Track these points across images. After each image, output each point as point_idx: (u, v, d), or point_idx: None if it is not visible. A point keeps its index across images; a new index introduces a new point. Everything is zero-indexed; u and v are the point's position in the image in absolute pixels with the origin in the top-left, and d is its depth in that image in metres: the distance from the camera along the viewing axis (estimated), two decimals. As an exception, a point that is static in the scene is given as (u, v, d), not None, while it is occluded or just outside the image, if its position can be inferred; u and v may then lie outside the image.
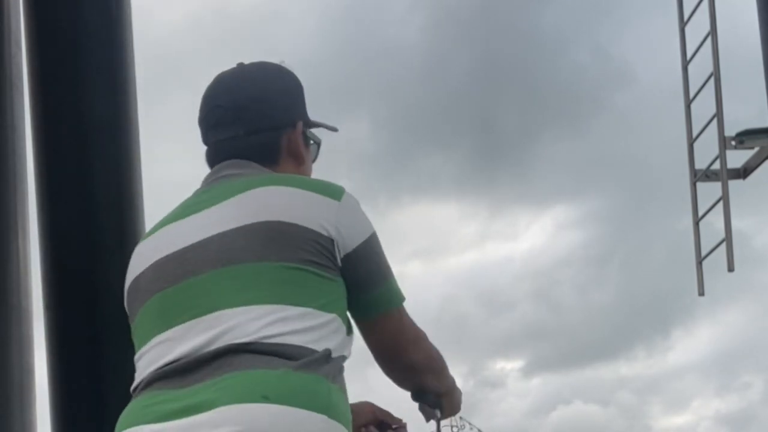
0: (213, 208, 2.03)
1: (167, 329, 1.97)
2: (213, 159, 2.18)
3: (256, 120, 2.15)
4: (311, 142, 2.27)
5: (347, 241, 2.00)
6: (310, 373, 1.87)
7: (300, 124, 2.21)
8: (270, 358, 1.86)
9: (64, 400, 5.41)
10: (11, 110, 5.79)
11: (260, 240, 1.94)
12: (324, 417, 1.85)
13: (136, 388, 2.00)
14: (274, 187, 2.01)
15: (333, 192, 2.03)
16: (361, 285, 2.04)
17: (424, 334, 2.19)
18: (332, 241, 1.97)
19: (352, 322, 2.11)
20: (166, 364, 1.93)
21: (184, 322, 1.95)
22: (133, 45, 5.74)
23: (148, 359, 1.99)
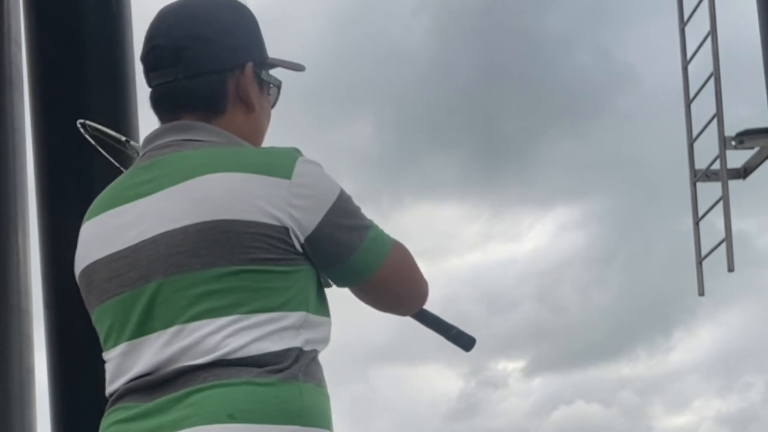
0: (158, 195, 1.89)
1: (127, 340, 1.90)
2: (155, 104, 2.01)
3: (196, 61, 1.94)
4: (271, 85, 2.05)
5: (305, 224, 1.84)
6: (277, 379, 1.79)
7: (249, 66, 1.99)
8: (235, 370, 1.79)
9: (64, 400, 5.41)
10: (11, 110, 5.79)
11: (208, 244, 1.81)
12: (295, 428, 1.78)
13: (110, 395, 1.95)
14: (219, 175, 1.84)
15: (282, 168, 1.84)
16: (332, 259, 1.89)
17: (416, 272, 2.02)
18: (286, 229, 1.82)
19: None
20: (132, 380, 1.88)
21: (143, 334, 1.87)
22: (133, 44, 5.74)
23: (113, 370, 1.94)
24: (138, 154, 2.04)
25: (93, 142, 2.49)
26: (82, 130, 2.29)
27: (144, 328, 1.87)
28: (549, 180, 20.94)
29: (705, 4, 6.30)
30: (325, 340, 1.94)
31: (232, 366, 1.79)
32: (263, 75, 2.02)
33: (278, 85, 2.07)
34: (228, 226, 1.80)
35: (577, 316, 20.63)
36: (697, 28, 6.45)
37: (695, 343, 20.85)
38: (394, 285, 1.99)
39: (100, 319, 1.98)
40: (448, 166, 21.26)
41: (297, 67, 2.10)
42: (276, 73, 2.09)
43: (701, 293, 6.37)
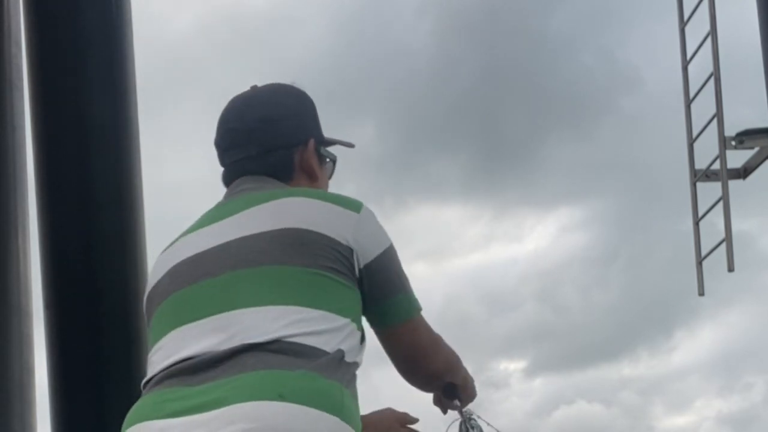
0: (233, 217, 2.08)
1: (182, 325, 1.99)
2: (229, 179, 2.25)
3: (267, 140, 2.21)
4: (327, 159, 2.31)
5: (366, 252, 2.04)
6: (324, 375, 1.89)
7: (312, 142, 2.25)
8: (286, 358, 1.88)
9: (64, 400, 5.41)
10: (11, 110, 5.79)
11: (280, 245, 1.98)
12: (337, 419, 1.87)
13: (147, 382, 2.00)
14: (296, 198, 2.06)
15: (352, 205, 2.08)
16: (378, 295, 2.08)
17: (441, 339, 2.24)
18: (352, 251, 2.02)
19: (369, 329, 2.16)
20: (181, 361, 1.94)
21: (199, 318, 1.97)
22: (133, 45, 5.73)
23: (162, 354, 2.00)
24: None
25: None
26: None
27: (201, 312, 1.98)
28: (551, 181, 20.95)
29: (705, 4, 6.31)
30: (361, 361, 2.07)
31: (284, 354, 1.89)
32: (321, 150, 2.29)
33: (334, 160, 2.33)
34: (302, 234, 2.00)
35: (579, 317, 20.64)
36: (697, 28, 6.45)
37: (696, 343, 20.86)
38: (416, 340, 2.19)
39: (158, 317, 2.08)
40: (450, 168, 21.28)
41: (349, 145, 2.35)
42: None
43: (701, 293, 6.37)
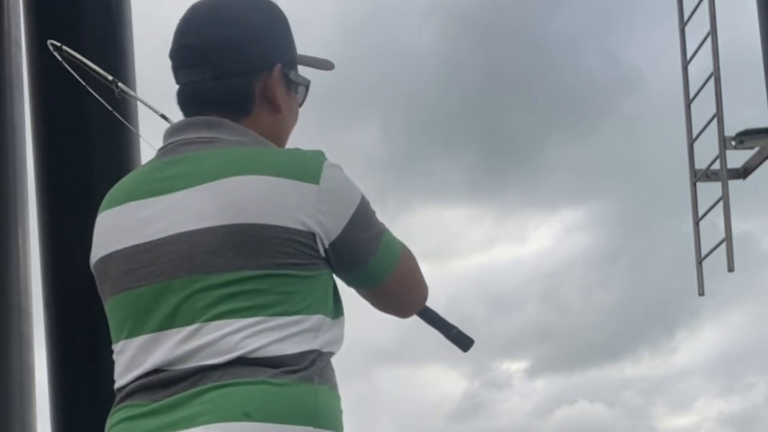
0: (183, 193, 1.89)
1: (142, 334, 1.89)
2: (182, 102, 2.02)
3: (225, 63, 1.95)
4: (298, 85, 2.06)
5: (331, 230, 1.87)
6: (293, 381, 1.81)
7: (278, 67, 2.00)
8: (251, 370, 1.80)
9: (64, 400, 5.42)
10: (11, 110, 5.80)
11: (236, 246, 1.82)
12: (309, 428, 1.80)
13: (118, 390, 1.93)
14: (249, 178, 1.85)
15: (310, 173, 1.86)
16: (352, 264, 1.93)
17: (420, 277, 2.08)
18: (313, 235, 1.85)
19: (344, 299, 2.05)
20: (144, 375, 1.87)
21: (161, 329, 1.87)
22: (133, 44, 5.74)
23: (125, 363, 1.92)
24: (125, 97, 2.02)
25: (67, 66, 2.43)
26: (55, 53, 2.20)
27: (162, 323, 1.87)
28: (554, 182, 20.98)
29: (705, 4, 6.30)
30: (341, 340, 1.96)
31: (249, 366, 1.80)
32: (291, 75, 2.03)
33: (306, 85, 2.08)
34: (259, 230, 1.82)
35: (581, 317, 20.66)
36: (697, 28, 6.45)
37: (698, 343, 20.88)
38: (400, 291, 2.04)
39: (113, 310, 1.97)
40: (454, 169, 21.31)
41: (326, 66, 2.13)
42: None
43: (701, 293, 6.37)
